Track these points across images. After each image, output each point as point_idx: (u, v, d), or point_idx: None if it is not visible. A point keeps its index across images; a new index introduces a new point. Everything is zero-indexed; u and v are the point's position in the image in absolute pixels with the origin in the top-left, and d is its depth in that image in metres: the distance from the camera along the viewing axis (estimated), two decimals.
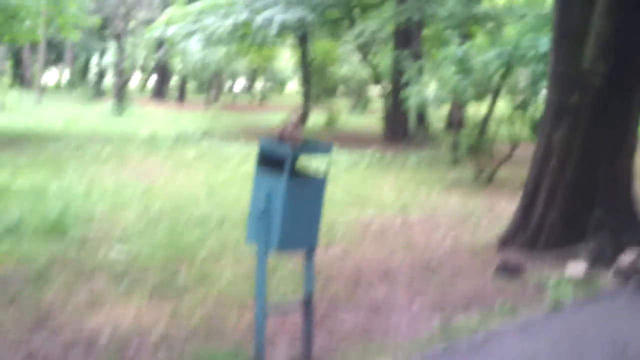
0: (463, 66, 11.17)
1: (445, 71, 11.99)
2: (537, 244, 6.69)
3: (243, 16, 16.79)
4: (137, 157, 12.65)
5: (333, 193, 9.48)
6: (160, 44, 27.88)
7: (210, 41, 18.28)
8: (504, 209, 8.90)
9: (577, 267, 5.94)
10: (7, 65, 39.76)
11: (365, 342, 4.52)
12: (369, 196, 9.69)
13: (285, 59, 37.12)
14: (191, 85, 38.77)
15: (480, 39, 16.26)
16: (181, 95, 32.91)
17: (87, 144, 13.80)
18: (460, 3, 15.00)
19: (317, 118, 22.40)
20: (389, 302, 5.30)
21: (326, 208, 4.31)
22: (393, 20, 16.91)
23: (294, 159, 4.04)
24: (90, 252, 6.26)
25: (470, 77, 11.09)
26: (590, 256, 6.26)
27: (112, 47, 33.35)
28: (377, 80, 21.39)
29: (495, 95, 12.61)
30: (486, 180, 11.10)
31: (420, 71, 15.48)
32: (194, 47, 18.94)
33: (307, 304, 4.33)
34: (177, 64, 27.66)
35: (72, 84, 39.93)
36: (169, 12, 20.11)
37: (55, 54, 41.40)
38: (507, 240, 6.95)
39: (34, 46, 33.27)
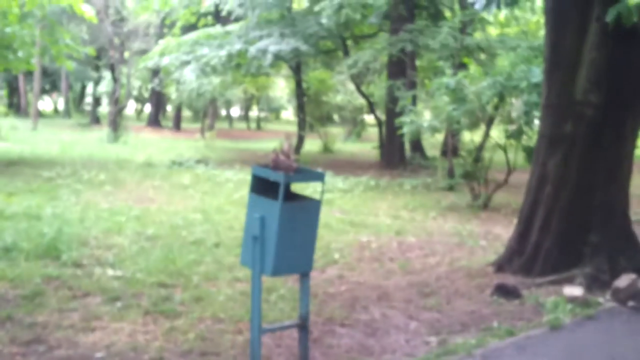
0: (456, 96, 11.28)
1: (438, 101, 12.11)
2: (533, 269, 6.69)
3: (237, 47, 16.95)
4: (132, 183, 12.64)
5: (329, 217, 9.55)
6: (155, 73, 28.06)
7: (205, 71, 18.42)
8: (500, 234, 8.94)
9: (573, 291, 5.94)
10: (2, 93, 39.89)
11: None
12: (365, 221, 9.70)
13: (281, 87, 37.39)
14: (187, 114, 38.95)
15: (473, 69, 16.46)
16: (177, 123, 33.03)
17: (82, 169, 13.79)
18: (452, 35, 15.20)
19: (312, 145, 22.51)
20: (386, 323, 5.28)
21: (322, 232, 4.34)
22: (386, 51, 17.12)
23: (288, 184, 4.08)
24: (85, 274, 6.23)
25: (464, 106, 11.18)
26: (587, 281, 6.27)
27: (107, 76, 33.52)
28: (371, 109, 21.55)
29: (489, 124, 12.73)
30: (482, 205, 11.14)
31: (414, 100, 15.64)
32: (189, 77, 19.03)
33: (303, 327, 4.33)
34: (172, 93, 27.77)
35: (67, 112, 40.05)
36: (164, 42, 20.29)
37: (51, 82, 41.59)
38: (503, 265, 6.95)
39: (29, 74, 33.42)
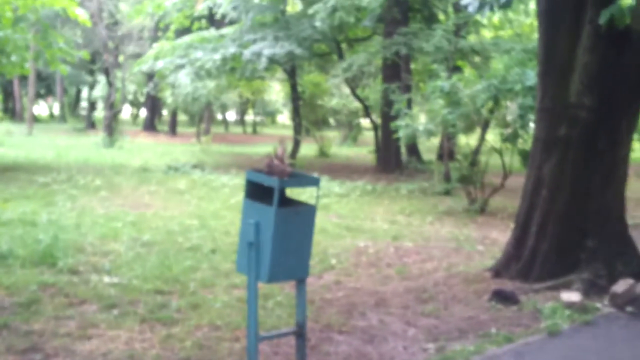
0: (451, 99, 11.29)
1: (433, 104, 12.11)
2: (530, 274, 6.68)
3: (231, 50, 16.92)
4: (128, 188, 12.61)
5: (325, 222, 9.53)
6: (150, 77, 28.02)
7: (199, 75, 18.39)
8: (497, 238, 8.94)
9: (571, 297, 5.93)
10: None
11: None
12: (361, 226, 9.69)
13: (276, 91, 37.38)
14: (183, 118, 38.90)
15: (467, 72, 16.47)
16: (172, 128, 32.98)
17: (77, 175, 13.74)
18: (446, 37, 15.22)
19: (308, 149, 22.50)
20: (383, 330, 5.27)
21: (319, 237, 4.34)
22: (380, 54, 17.13)
23: (282, 189, 4.05)
24: (81, 281, 6.20)
25: (459, 110, 11.19)
26: (585, 286, 6.26)
27: (101, 80, 33.47)
28: (367, 112, 21.56)
29: (485, 127, 12.74)
30: (478, 210, 11.14)
31: (409, 104, 15.64)
32: (184, 81, 19.00)
33: (300, 334, 4.31)
34: (167, 97, 27.72)
35: (63, 117, 39.95)
36: (158, 46, 20.25)
37: (46, 86, 41.51)
38: (500, 271, 6.94)
39: (24, 79, 33.35)
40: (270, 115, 45.37)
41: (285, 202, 4.17)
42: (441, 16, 19.73)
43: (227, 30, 18.91)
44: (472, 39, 18.18)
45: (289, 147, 18.75)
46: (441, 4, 19.34)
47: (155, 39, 26.84)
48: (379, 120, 19.44)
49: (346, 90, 24.52)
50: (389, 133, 15.78)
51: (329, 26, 16.61)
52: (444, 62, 15.58)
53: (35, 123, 31.23)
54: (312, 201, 4.36)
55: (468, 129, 12.50)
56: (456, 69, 16.49)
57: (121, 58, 30.53)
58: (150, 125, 34.51)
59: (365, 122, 28.71)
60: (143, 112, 41.42)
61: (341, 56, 19.48)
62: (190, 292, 6.02)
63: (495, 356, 4.75)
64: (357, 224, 9.78)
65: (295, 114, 20.79)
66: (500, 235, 8.97)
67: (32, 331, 4.86)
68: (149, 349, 4.67)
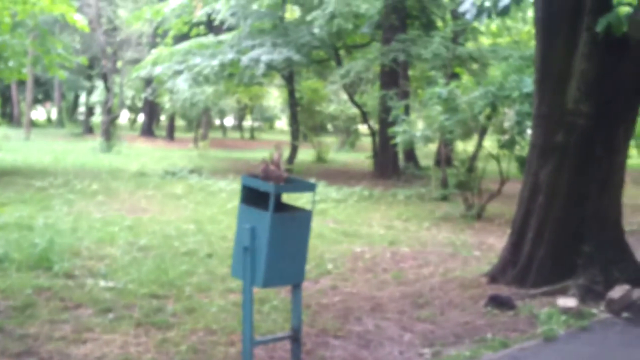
0: (448, 106, 11.31)
1: (431, 110, 12.13)
2: (526, 280, 6.68)
3: (230, 56, 16.95)
4: (125, 193, 12.59)
5: (322, 228, 9.53)
6: (148, 82, 28.04)
7: (197, 80, 18.42)
8: (493, 244, 8.94)
9: (567, 303, 5.93)
10: None
11: None
12: (358, 231, 9.68)
13: (274, 97, 37.43)
14: (181, 123, 38.92)
15: (465, 79, 16.52)
16: (170, 133, 32.98)
17: (74, 179, 13.72)
18: (444, 44, 15.27)
19: (306, 155, 22.51)
20: (379, 335, 5.26)
21: (315, 242, 4.34)
22: (378, 60, 17.17)
23: (278, 194, 4.05)
24: (76, 285, 6.19)
25: (456, 116, 11.21)
26: (581, 292, 6.26)
27: (99, 86, 33.47)
28: (364, 119, 21.59)
29: (482, 134, 12.75)
30: (475, 215, 11.15)
31: (407, 110, 15.65)
32: (182, 86, 19.00)
33: (295, 339, 4.31)
34: (165, 103, 27.74)
35: (60, 122, 39.94)
36: (156, 52, 20.27)
37: (44, 91, 41.49)
38: (497, 276, 6.94)
39: (21, 84, 33.34)
40: (268, 121, 45.41)
41: (281, 207, 4.17)
42: (439, 23, 19.80)
43: (225, 37, 18.95)
44: (470, 46, 18.24)
45: (287, 152, 18.76)
46: (439, 11, 19.41)
47: (153, 44, 26.88)
48: (376, 126, 19.46)
49: (344, 96, 24.57)
50: (386, 139, 15.78)
51: (327, 33, 16.67)
52: (442, 68, 15.62)
53: (33, 128, 31.20)
54: (308, 206, 4.36)
55: (465, 135, 12.53)
56: (454, 76, 16.54)
57: (119, 64, 30.56)
58: (148, 130, 34.49)
59: (363, 128, 28.74)
60: (141, 117, 41.44)
61: (339, 62, 19.52)
62: (186, 296, 6.01)
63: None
64: (354, 229, 9.78)
65: (293, 119, 20.81)
66: (497, 241, 8.97)
67: (27, 335, 4.85)
68: (144, 353, 4.66)
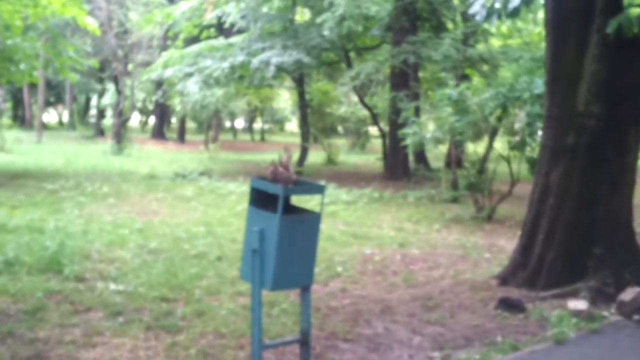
0: (459, 107, 11.28)
1: (441, 112, 12.10)
2: (537, 282, 6.64)
3: (240, 58, 16.99)
4: (135, 195, 12.64)
5: (332, 230, 9.52)
6: (159, 85, 28.15)
7: (208, 83, 18.48)
8: (504, 246, 8.90)
9: (578, 305, 5.89)
10: (7, 105, 40.02)
11: None
12: (368, 233, 9.67)
13: (284, 99, 37.46)
14: (191, 125, 39.03)
15: (476, 80, 16.45)
16: (181, 135, 33.08)
17: (85, 182, 13.80)
18: (455, 46, 15.23)
19: (316, 157, 22.51)
20: (389, 338, 5.24)
21: (325, 244, 4.32)
22: (389, 62, 17.15)
23: (287, 197, 4.04)
24: (87, 288, 6.21)
25: (467, 118, 11.18)
26: (591, 294, 6.22)
27: (110, 88, 33.63)
28: (375, 120, 21.56)
29: (493, 135, 12.70)
30: (486, 217, 11.10)
31: (417, 112, 15.63)
32: (192, 89, 19.07)
33: (304, 342, 4.30)
34: (176, 105, 27.85)
35: (71, 124, 40.17)
36: (167, 54, 20.37)
37: (55, 94, 41.76)
38: (507, 279, 6.91)
39: (33, 87, 33.55)
40: (279, 123, 45.46)
41: (290, 209, 4.16)
42: (449, 25, 19.75)
43: (235, 39, 19.01)
44: (480, 47, 18.18)
45: (297, 154, 18.76)
46: (449, 13, 19.37)
47: (164, 47, 26.97)
48: (386, 128, 19.43)
49: (354, 98, 24.53)
50: (396, 141, 15.77)
51: (337, 35, 16.66)
52: (452, 70, 15.59)
53: (45, 130, 31.40)
54: (318, 209, 4.35)
55: (476, 137, 12.48)
56: (464, 77, 16.48)
57: (130, 66, 30.64)
58: (158, 133, 34.61)
59: (373, 130, 28.70)
60: (152, 120, 41.58)
61: (349, 64, 19.52)
62: (196, 299, 6.02)
63: None
64: (364, 232, 9.76)
65: (304, 121, 20.81)
66: (508, 243, 8.93)
67: (37, 339, 4.87)
68: (154, 356, 4.67)
